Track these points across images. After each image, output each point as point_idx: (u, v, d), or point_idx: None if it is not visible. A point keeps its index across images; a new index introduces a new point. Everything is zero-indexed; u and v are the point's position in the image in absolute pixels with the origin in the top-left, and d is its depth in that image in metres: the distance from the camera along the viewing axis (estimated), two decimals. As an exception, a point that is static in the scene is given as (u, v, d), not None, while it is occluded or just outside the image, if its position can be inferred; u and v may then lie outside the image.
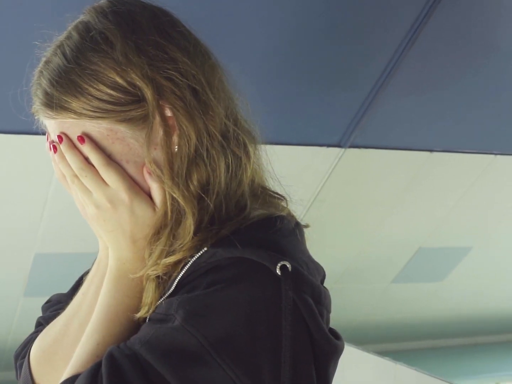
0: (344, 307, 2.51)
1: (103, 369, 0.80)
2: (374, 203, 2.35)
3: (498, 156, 2.31)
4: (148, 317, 0.86)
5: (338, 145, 2.14)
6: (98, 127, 0.85)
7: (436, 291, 2.76)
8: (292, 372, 0.81)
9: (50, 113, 0.86)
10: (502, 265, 2.80)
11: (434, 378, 1.76)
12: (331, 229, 2.30)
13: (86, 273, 0.99)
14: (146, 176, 0.86)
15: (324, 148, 2.13)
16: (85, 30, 0.86)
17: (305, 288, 0.85)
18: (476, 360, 2.85)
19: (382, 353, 1.98)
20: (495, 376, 2.67)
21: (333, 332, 0.91)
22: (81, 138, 0.85)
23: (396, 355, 1.96)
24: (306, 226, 0.97)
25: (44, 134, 0.91)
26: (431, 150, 2.24)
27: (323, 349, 0.87)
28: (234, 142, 0.87)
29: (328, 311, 0.91)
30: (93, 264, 0.97)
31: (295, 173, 2.08)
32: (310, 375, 0.85)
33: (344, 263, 2.44)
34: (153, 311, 0.86)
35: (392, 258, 2.52)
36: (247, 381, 0.79)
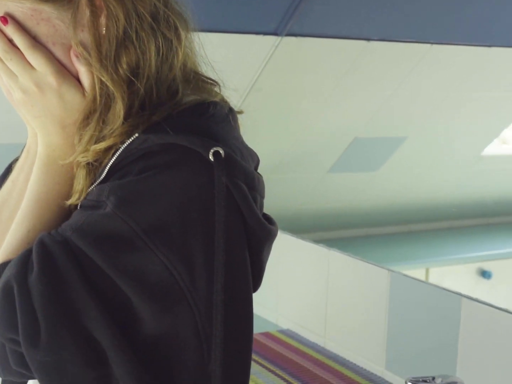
0: (281, 197, 2.53)
1: (34, 255, 0.79)
2: (311, 93, 2.34)
3: (434, 45, 2.31)
4: (79, 204, 0.85)
5: (274, 33, 2.11)
6: (21, 7, 0.81)
7: (371, 181, 2.80)
8: (226, 257, 0.81)
9: (-31, -9, 0.81)
10: (435, 155, 2.84)
11: (366, 263, 1.80)
12: (268, 119, 2.29)
13: (15, 160, 0.97)
14: (74, 59, 0.83)
15: (260, 37, 2.09)
16: None
17: (238, 174, 0.85)
18: (408, 246, 2.93)
19: (317, 241, 2.02)
20: (426, 262, 2.76)
21: (266, 217, 0.92)
22: (4, 19, 0.81)
23: (330, 243, 2.00)
24: (240, 112, 0.96)
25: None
26: (368, 39, 2.22)
27: (257, 234, 0.87)
28: (165, 24, 0.85)
29: (262, 197, 0.91)
30: (22, 151, 0.95)
31: (230, 62, 2.05)
32: (244, 259, 0.86)
33: (281, 153, 2.44)
34: (85, 198, 0.85)
35: (328, 148, 2.54)
36: (180, 266, 0.80)
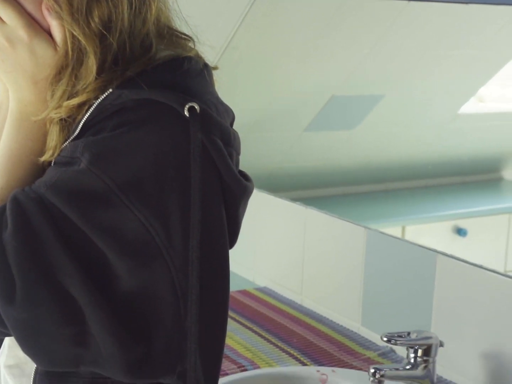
0: (257, 155, 2.52)
1: (8, 212, 0.79)
2: (287, 51, 2.32)
3: (412, 2, 2.29)
4: (53, 161, 0.84)
5: (251, -10, 2.08)
6: (-10, -40, 0.79)
7: (348, 139, 2.80)
8: (202, 213, 0.81)
9: None
10: (412, 113, 2.84)
11: (343, 220, 1.81)
12: (244, 77, 2.27)
13: (-13, 117, 0.95)
14: (45, 12, 0.82)
15: (236, -7, 2.07)
16: None
17: (214, 129, 0.84)
18: (385, 205, 2.95)
19: (294, 200, 2.02)
20: (402, 220, 2.77)
21: (242, 174, 0.92)
22: None
23: (307, 201, 2.00)
24: (215, 68, 0.95)
25: None
26: (345, -4, 2.20)
27: (233, 190, 0.87)
28: None
29: (238, 153, 0.91)
30: (-7, 108, 0.94)
31: (205, 19, 2.02)
32: (220, 215, 0.86)
33: (257, 111, 2.43)
34: (58, 155, 0.84)
35: (305, 106, 2.52)
36: (156, 223, 0.80)
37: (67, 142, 0.84)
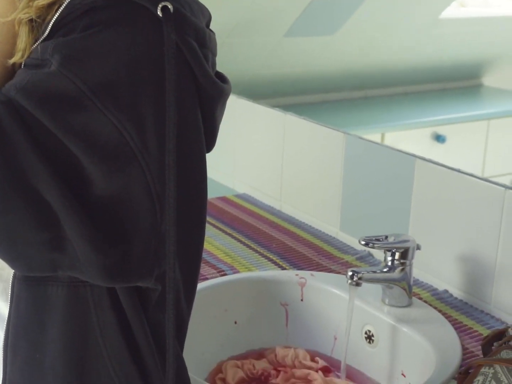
0: (236, 61, 2.48)
1: None
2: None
3: None
4: (23, 63, 0.82)
5: None
6: None
7: (328, 45, 2.76)
8: (177, 116, 0.80)
9: None
10: (393, 18, 2.80)
11: (322, 126, 1.80)
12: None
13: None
14: None
15: None
16: None
17: (189, 30, 0.82)
18: (364, 112, 2.93)
19: (273, 106, 2.00)
20: (381, 127, 2.77)
21: (219, 76, 0.90)
22: None
23: (287, 108, 1.98)
24: (190, -34, 0.91)
25: None
26: None
27: (209, 92, 0.86)
28: None
29: (214, 55, 0.89)
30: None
31: None
32: (196, 118, 0.85)
33: (235, 16, 2.38)
34: (28, 57, 0.82)
35: (284, 10, 2.47)
36: (130, 126, 0.78)
37: (37, 43, 0.81)
